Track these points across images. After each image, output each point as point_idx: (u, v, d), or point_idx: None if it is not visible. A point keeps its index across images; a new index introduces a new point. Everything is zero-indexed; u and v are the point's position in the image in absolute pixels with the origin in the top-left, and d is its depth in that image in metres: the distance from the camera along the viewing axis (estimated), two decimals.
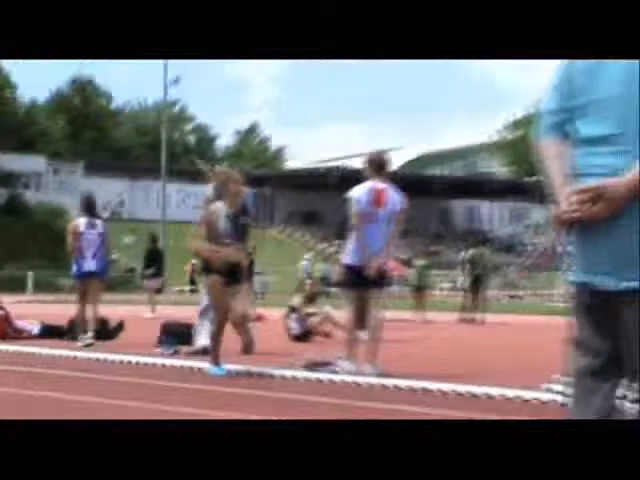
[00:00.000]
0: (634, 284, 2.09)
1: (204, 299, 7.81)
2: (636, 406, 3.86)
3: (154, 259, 15.08)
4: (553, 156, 2.28)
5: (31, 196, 41.62)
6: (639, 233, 2.08)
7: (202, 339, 7.73)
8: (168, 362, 7.09)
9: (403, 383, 5.76)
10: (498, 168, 61.60)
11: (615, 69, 2.16)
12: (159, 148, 37.83)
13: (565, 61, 2.29)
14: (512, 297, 33.32)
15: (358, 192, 6.51)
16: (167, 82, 36.97)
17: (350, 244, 6.61)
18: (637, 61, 2.11)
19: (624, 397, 3.92)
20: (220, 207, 6.49)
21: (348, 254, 6.60)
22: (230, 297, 6.51)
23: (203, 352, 7.31)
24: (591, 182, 2.11)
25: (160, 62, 36.44)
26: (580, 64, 2.23)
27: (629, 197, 2.06)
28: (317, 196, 46.01)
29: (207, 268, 6.57)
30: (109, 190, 43.69)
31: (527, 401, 5.13)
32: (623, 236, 2.10)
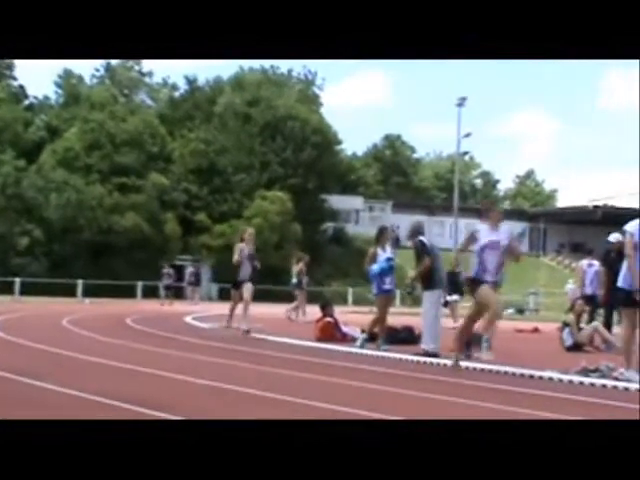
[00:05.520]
0: None
1: None
2: None
3: (454, 281, 16.56)
4: None
5: (351, 228, 50.52)
6: None
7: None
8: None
9: None
10: None
11: None
12: (452, 190, 44.26)
13: None
14: None
15: (633, 226, 7.13)
16: (460, 137, 40.34)
17: (622, 270, 7.22)
18: None
19: None
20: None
21: (620, 279, 7.23)
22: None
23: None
24: None
25: (454, 120, 38.91)
26: None
27: None
28: (583, 229, 51.93)
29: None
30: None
31: None
32: None
